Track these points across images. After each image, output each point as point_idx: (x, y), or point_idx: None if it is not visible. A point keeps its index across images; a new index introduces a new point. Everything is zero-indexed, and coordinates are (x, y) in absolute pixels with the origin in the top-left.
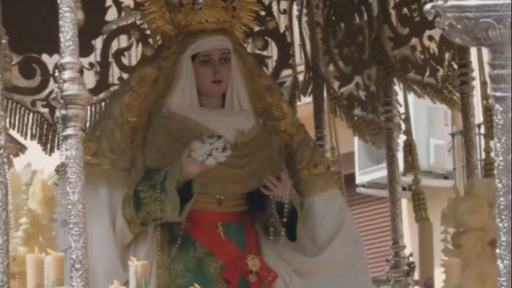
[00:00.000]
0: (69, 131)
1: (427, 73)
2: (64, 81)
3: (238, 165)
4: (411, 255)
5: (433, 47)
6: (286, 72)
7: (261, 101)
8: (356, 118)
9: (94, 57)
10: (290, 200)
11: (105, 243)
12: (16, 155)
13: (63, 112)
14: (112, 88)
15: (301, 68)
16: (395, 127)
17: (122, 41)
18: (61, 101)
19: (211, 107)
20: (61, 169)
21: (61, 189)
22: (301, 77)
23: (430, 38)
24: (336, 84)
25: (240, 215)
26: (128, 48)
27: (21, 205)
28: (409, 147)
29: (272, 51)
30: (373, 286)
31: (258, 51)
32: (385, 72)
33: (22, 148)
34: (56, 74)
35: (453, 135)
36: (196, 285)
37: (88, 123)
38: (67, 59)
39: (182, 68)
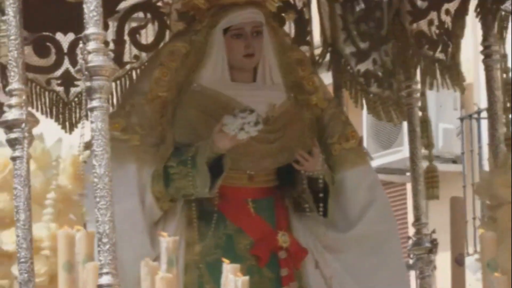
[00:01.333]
0: (94, 103)
1: (439, 49)
2: (89, 52)
3: (269, 139)
4: (433, 232)
5: (448, 21)
6: (303, 49)
7: (293, 75)
8: (372, 95)
9: (109, 36)
10: (322, 175)
11: (134, 220)
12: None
13: (88, 84)
14: (127, 67)
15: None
16: (415, 103)
17: (138, 19)
18: (86, 72)
19: (242, 82)
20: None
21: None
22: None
23: (447, 12)
24: (353, 60)
25: (270, 190)
26: (144, 26)
27: (51, 181)
28: (425, 123)
29: (289, 28)
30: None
31: None
32: (403, 47)
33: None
34: (80, 45)
35: (462, 119)
36: (225, 260)
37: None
38: (91, 30)
39: (213, 42)
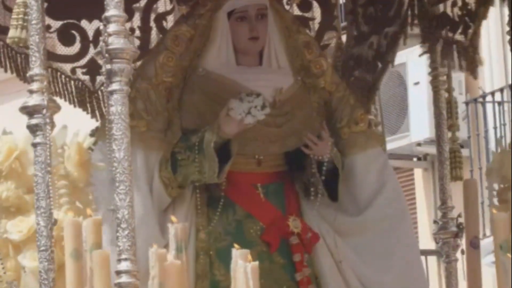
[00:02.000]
0: (114, 86)
1: (459, 30)
2: (109, 35)
3: (276, 123)
4: (459, 216)
5: (472, 2)
6: (330, 34)
7: (299, 58)
8: (353, 78)
9: (135, 23)
10: (331, 159)
11: (143, 207)
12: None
13: (108, 66)
14: None
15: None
16: (441, 85)
17: (164, 5)
18: (106, 55)
19: (248, 65)
20: (97, 132)
21: (100, 150)
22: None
23: None
24: (351, 43)
25: (280, 175)
26: (170, 12)
27: (57, 168)
28: (449, 105)
29: (315, 12)
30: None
31: (300, 13)
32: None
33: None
34: (101, 27)
35: (467, 103)
36: (236, 245)
37: None
38: (112, 12)
39: (217, 26)
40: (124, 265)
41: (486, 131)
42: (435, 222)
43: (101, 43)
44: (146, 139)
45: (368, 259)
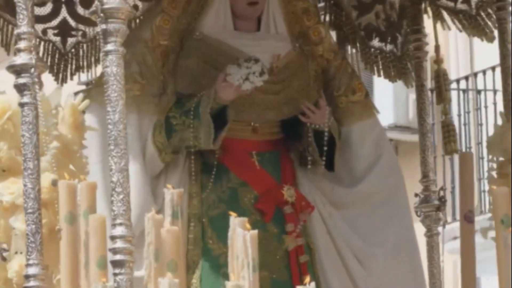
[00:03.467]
0: (109, 46)
1: (388, 40)
2: None
3: (273, 90)
4: (441, 188)
5: (394, 14)
6: None
7: (298, 25)
8: (372, 49)
9: None
10: (328, 128)
11: (135, 172)
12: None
13: (103, 26)
14: None
15: None
16: (424, 56)
17: None
18: (101, 14)
19: (245, 31)
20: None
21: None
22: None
23: None
24: (354, 13)
25: (275, 143)
26: None
27: (51, 130)
28: (439, 78)
29: None
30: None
31: None
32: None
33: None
34: None
35: (432, 90)
36: (231, 213)
37: None
38: None
39: None
40: (119, 230)
41: (451, 118)
42: (416, 195)
43: (96, 3)
44: (140, 103)
45: (363, 232)
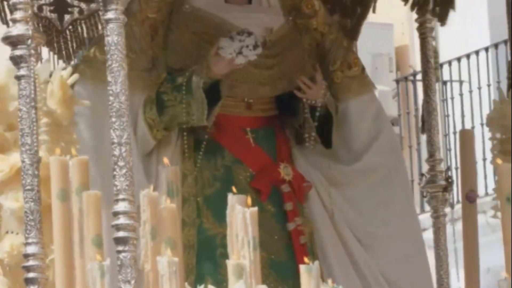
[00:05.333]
0: (109, 14)
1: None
2: None
3: (267, 65)
4: (448, 169)
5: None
6: None
7: None
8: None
9: None
10: (324, 103)
11: None
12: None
13: None
14: None
15: None
16: (429, 32)
17: None
18: None
19: (237, 3)
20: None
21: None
22: None
23: None
24: None
25: (270, 120)
26: None
27: (40, 105)
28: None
29: None
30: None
31: None
32: None
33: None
34: None
35: (397, 81)
36: (234, 188)
37: None
38: None
39: None
40: (121, 206)
41: (416, 109)
42: (422, 175)
43: None
44: (129, 78)
45: (363, 211)
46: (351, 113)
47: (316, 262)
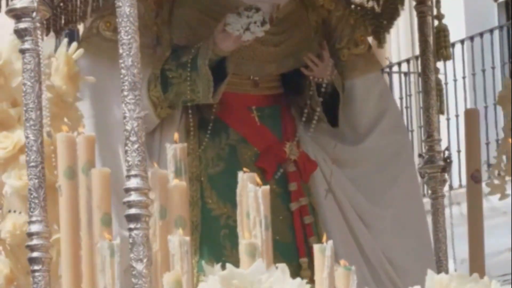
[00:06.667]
0: None
1: None
2: None
3: (274, 42)
4: (447, 149)
5: None
6: None
7: None
8: (353, 6)
9: None
10: (331, 81)
11: None
12: None
13: None
14: None
15: None
16: (428, 11)
17: None
18: None
19: None
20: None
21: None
22: None
23: None
24: None
25: (276, 98)
26: None
27: (43, 80)
28: (442, 32)
29: None
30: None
31: None
32: None
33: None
34: None
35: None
36: (245, 169)
37: None
38: None
39: None
40: (134, 182)
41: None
42: (420, 156)
43: None
44: None
45: (367, 192)
46: (357, 91)
47: (330, 242)
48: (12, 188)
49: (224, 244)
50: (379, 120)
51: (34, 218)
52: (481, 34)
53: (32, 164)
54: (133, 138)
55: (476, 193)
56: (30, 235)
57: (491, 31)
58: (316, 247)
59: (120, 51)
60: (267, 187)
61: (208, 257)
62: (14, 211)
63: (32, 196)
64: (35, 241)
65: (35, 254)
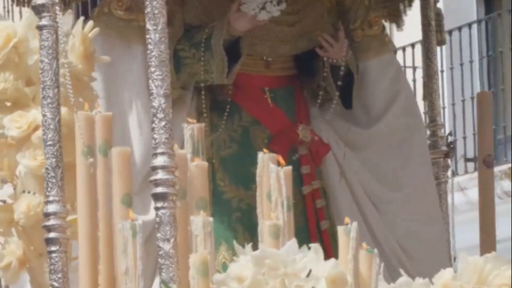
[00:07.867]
0: None
1: None
2: None
3: (288, 22)
4: (450, 134)
5: None
6: None
7: None
8: None
9: None
10: (346, 62)
11: (139, 108)
12: None
13: None
14: None
15: None
16: None
17: None
18: None
19: None
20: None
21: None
22: None
23: None
24: None
25: (289, 80)
26: None
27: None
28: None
29: None
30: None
31: None
32: None
33: None
34: None
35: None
36: (265, 150)
37: None
38: None
39: None
40: (161, 160)
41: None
42: None
43: None
44: (145, 34)
45: (380, 175)
46: (370, 73)
47: (355, 223)
48: (26, 168)
49: (235, 228)
50: (392, 103)
51: (51, 198)
52: (459, 28)
53: (50, 142)
54: (160, 115)
55: (488, 177)
56: (47, 215)
57: (469, 25)
58: (340, 229)
59: (148, 26)
60: (290, 167)
61: (219, 240)
62: (29, 192)
63: (49, 176)
64: (52, 221)
65: (52, 235)
